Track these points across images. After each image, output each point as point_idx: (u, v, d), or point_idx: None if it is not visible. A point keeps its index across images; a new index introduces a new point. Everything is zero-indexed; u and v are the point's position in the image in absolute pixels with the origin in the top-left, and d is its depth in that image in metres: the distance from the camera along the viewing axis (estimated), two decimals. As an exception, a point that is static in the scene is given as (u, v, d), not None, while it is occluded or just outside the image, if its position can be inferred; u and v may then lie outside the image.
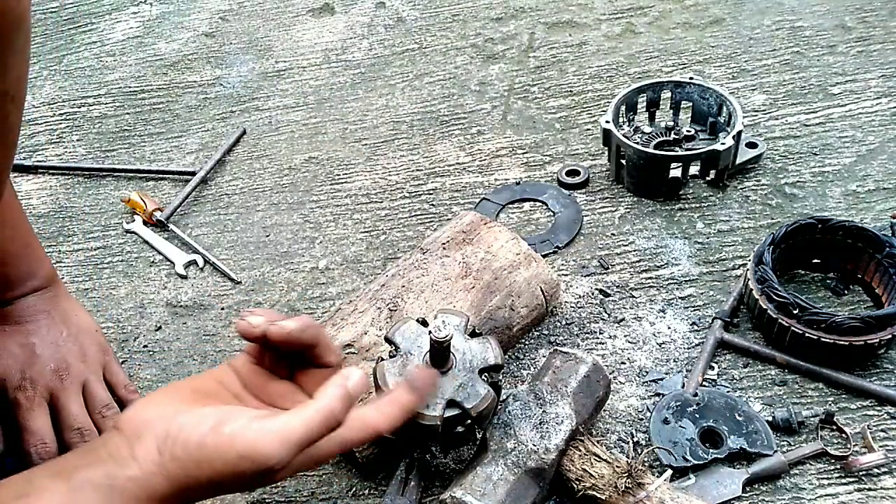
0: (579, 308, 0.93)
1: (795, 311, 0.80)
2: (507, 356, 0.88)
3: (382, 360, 0.70)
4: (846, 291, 0.90)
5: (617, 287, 0.95)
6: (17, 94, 0.63)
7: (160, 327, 0.99)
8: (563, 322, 0.91)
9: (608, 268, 0.97)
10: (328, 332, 0.81)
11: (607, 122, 1.03)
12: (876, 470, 0.73)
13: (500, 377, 0.72)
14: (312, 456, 0.53)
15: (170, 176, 1.22)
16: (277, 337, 0.57)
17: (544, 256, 0.99)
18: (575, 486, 0.70)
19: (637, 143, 1.04)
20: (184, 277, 1.05)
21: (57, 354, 0.77)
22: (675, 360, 0.86)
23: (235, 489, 0.53)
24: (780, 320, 0.81)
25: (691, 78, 1.08)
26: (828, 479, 0.74)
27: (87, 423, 0.74)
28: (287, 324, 0.57)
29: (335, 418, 0.53)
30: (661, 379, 0.84)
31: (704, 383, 0.82)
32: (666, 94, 1.10)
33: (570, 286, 0.96)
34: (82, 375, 0.77)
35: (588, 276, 0.97)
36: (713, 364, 0.84)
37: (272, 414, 0.52)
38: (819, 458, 0.75)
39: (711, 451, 0.75)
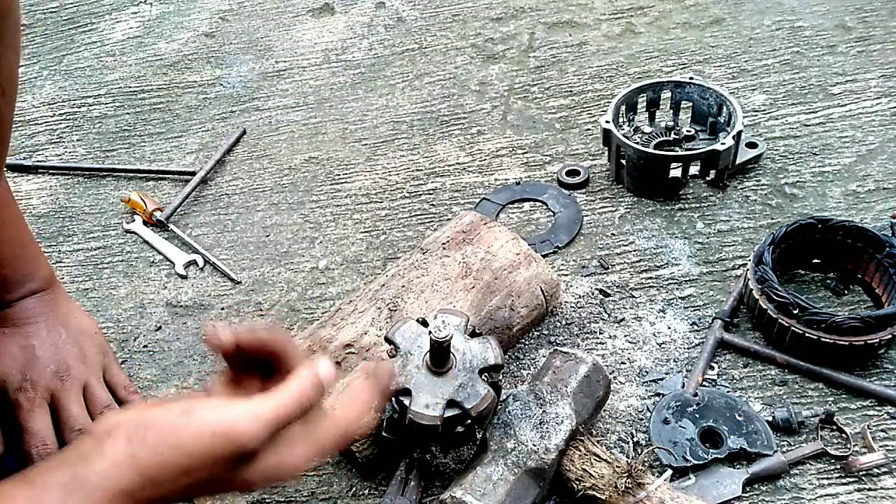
0: (579, 308, 0.93)
1: (795, 311, 0.80)
2: (507, 356, 0.88)
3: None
4: (846, 291, 0.90)
5: (617, 287, 0.95)
6: (8, 88, 0.62)
7: (160, 327, 0.99)
8: (563, 322, 0.91)
9: (608, 268, 0.97)
10: (328, 332, 0.82)
11: (607, 122, 1.03)
12: (876, 470, 0.73)
13: (500, 377, 0.72)
14: (292, 456, 0.52)
15: (170, 176, 1.22)
16: (247, 341, 0.55)
17: (544, 256, 0.99)
18: (575, 486, 0.70)
19: (637, 143, 1.04)
20: (184, 277, 1.05)
21: (57, 356, 0.77)
22: (675, 360, 0.86)
23: (214, 486, 0.51)
24: (780, 320, 0.81)
25: (691, 78, 1.08)
26: (828, 479, 0.74)
27: (88, 423, 0.74)
28: (255, 328, 0.56)
29: (307, 398, 0.52)
30: (661, 379, 0.84)
31: (704, 383, 0.82)
32: (666, 94, 1.10)
33: (570, 286, 0.96)
34: (83, 377, 0.77)
35: (588, 276, 0.97)
36: (713, 364, 0.84)
37: (242, 400, 0.52)
38: (819, 458, 0.75)
39: (711, 451, 0.75)
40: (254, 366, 0.58)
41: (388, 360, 0.68)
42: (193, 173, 1.19)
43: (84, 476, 0.48)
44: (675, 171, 1.02)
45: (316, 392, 0.53)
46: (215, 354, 0.57)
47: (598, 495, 0.69)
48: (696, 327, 0.89)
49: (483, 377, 0.69)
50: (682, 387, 0.82)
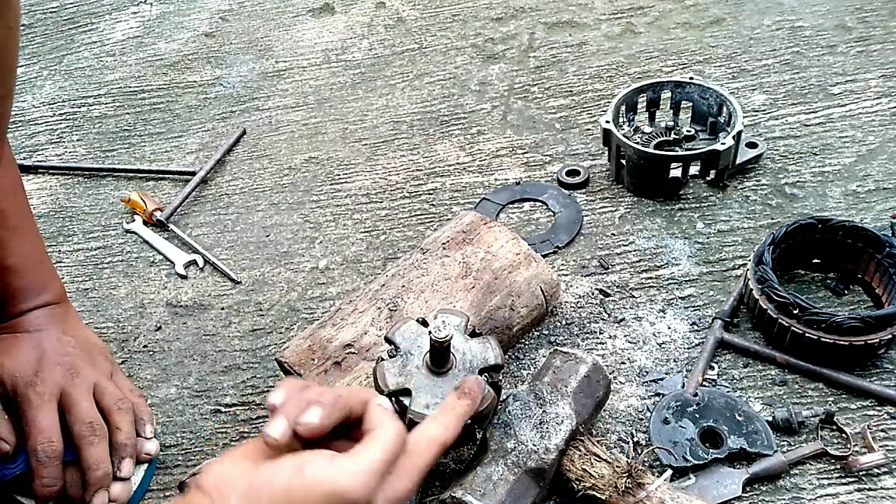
0: (579, 308, 0.93)
1: (795, 311, 0.80)
2: (507, 356, 0.88)
3: (382, 360, 0.70)
4: (846, 291, 0.90)
5: (617, 287, 0.95)
6: None
7: (160, 327, 0.99)
8: (563, 322, 0.91)
9: (608, 268, 0.97)
10: (328, 332, 0.82)
11: (607, 122, 1.03)
12: (876, 470, 0.73)
13: (500, 377, 0.72)
14: (397, 492, 0.54)
15: (170, 176, 1.22)
16: (309, 436, 0.55)
17: (544, 256, 0.99)
18: (575, 486, 0.70)
19: (637, 143, 1.04)
20: (184, 277, 1.05)
21: (67, 357, 0.78)
22: (675, 360, 0.86)
23: None
24: (780, 320, 0.81)
25: (691, 78, 1.08)
26: (828, 479, 0.74)
27: (98, 418, 0.76)
28: (311, 419, 0.54)
29: (401, 437, 0.54)
30: (661, 379, 0.84)
31: (704, 383, 0.82)
32: (666, 94, 1.10)
33: (570, 286, 0.96)
34: (92, 378, 0.78)
35: (588, 276, 0.97)
36: (713, 364, 0.84)
37: (347, 455, 0.53)
38: (819, 458, 0.75)
39: (711, 451, 0.75)
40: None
41: (470, 377, 0.66)
42: (193, 173, 1.19)
43: None
44: (675, 171, 1.02)
45: (400, 425, 0.55)
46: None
47: (598, 495, 0.69)
48: (696, 327, 0.89)
49: (483, 377, 0.69)
50: (682, 387, 0.82)
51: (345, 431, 0.58)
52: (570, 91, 1.27)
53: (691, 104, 1.10)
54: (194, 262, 1.06)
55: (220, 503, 0.51)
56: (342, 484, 0.50)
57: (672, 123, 1.11)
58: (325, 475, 0.50)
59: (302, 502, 0.50)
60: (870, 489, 0.72)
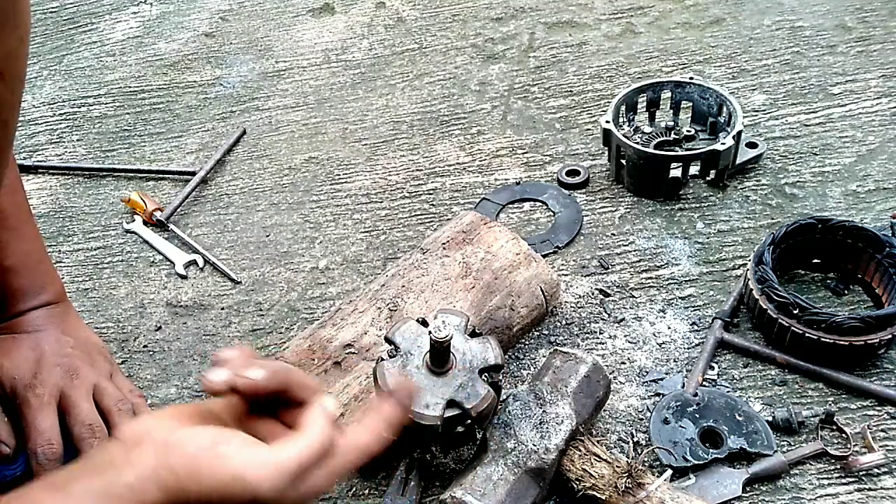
0: (579, 308, 0.93)
1: (795, 311, 0.80)
2: (507, 356, 0.88)
3: (382, 360, 0.70)
4: (846, 291, 0.90)
5: (617, 287, 0.95)
6: (8, 70, 0.60)
7: (160, 327, 0.99)
8: (563, 322, 0.91)
9: (608, 268, 0.97)
10: (328, 332, 0.82)
11: (607, 122, 1.03)
12: (876, 470, 0.73)
13: (500, 377, 0.72)
14: (309, 490, 0.52)
15: (170, 176, 1.22)
16: (244, 389, 0.55)
17: (544, 256, 0.99)
18: (575, 486, 0.70)
19: (637, 143, 1.04)
20: (184, 277, 1.05)
21: (66, 359, 0.78)
22: (675, 360, 0.86)
23: None
24: (780, 320, 0.81)
25: (691, 78, 1.08)
26: (828, 479, 0.74)
27: (98, 419, 0.75)
28: (253, 374, 0.54)
29: (327, 441, 0.53)
30: (661, 379, 0.84)
31: (704, 383, 0.82)
32: (666, 94, 1.10)
33: (570, 286, 0.96)
34: (92, 378, 0.78)
35: (588, 276, 0.97)
36: (713, 364, 0.84)
37: (266, 446, 0.52)
38: (819, 458, 0.75)
39: (711, 451, 0.75)
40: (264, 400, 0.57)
41: (402, 381, 0.66)
42: (193, 173, 1.19)
43: (115, 488, 0.49)
44: (675, 171, 1.02)
45: (332, 434, 0.53)
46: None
47: (598, 495, 0.69)
48: (696, 327, 0.89)
49: (483, 377, 0.69)
50: (682, 387, 0.82)
51: (284, 413, 0.57)
52: (570, 91, 1.27)
53: (691, 104, 1.10)
54: (194, 262, 1.06)
55: (134, 451, 0.50)
56: (249, 474, 0.49)
57: (672, 123, 1.11)
58: (236, 459, 0.50)
59: (206, 477, 0.49)
60: (870, 489, 0.72)
